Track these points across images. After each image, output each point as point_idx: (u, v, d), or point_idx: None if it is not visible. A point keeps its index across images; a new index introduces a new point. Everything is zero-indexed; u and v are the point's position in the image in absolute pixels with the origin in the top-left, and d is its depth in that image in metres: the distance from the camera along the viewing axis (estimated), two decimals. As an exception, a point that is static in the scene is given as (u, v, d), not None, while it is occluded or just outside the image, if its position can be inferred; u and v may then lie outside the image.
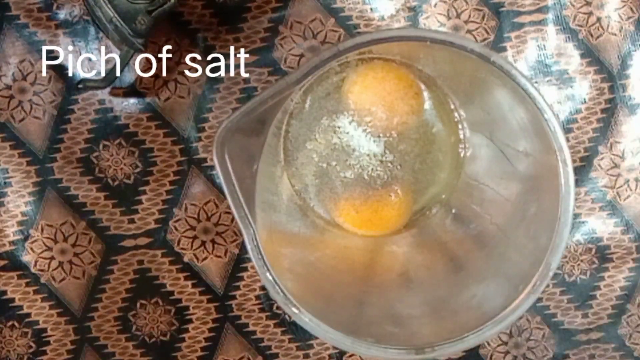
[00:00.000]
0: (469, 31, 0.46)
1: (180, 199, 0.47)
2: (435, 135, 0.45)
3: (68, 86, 0.46)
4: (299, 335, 0.48)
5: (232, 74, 0.46)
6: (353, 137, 0.44)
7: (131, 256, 0.47)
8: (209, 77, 0.46)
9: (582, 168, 0.48)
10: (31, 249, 0.47)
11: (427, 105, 0.45)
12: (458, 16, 0.46)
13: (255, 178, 0.37)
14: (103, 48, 0.46)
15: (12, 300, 0.47)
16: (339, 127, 0.44)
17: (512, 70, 0.35)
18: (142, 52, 0.43)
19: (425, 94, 0.45)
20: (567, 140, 0.36)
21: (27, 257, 0.47)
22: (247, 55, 0.46)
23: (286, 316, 0.48)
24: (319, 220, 0.46)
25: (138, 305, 0.48)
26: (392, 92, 0.44)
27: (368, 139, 0.44)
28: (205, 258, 0.47)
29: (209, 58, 0.46)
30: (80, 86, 0.45)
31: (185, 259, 0.47)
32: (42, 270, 0.47)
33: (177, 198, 0.47)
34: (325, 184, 0.45)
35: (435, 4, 0.46)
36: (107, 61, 0.46)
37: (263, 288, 0.48)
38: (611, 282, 0.49)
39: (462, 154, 0.46)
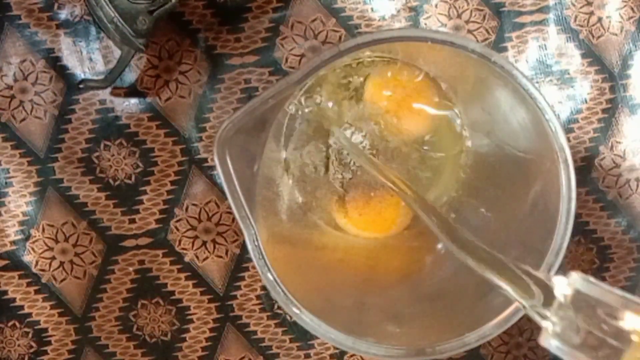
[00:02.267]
0: (469, 31, 0.46)
1: (181, 199, 0.47)
2: (438, 137, 0.45)
3: (69, 86, 0.46)
4: (300, 335, 0.48)
5: (234, 74, 0.46)
6: (356, 140, 0.44)
7: (132, 256, 0.47)
8: (209, 77, 0.46)
9: (583, 168, 0.48)
10: (32, 248, 0.47)
11: (436, 110, 0.45)
12: (459, 16, 0.46)
13: (256, 178, 0.37)
14: (104, 48, 0.46)
15: (13, 300, 0.47)
16: (343, 130, 0.44)
17: (513, 71, 0.35)
18: (143, 52, 0.44)
19: (436, 99, 0.45)
20: (568, 140, 0.36)
21: (28, 257, 0.47)
22: (249, 55, 0.46)
23: (287, 316, 0.48)
24: (320, 220, 0.46)
25: (139, 305, 0.48)
26: (409, 99, 0.44)
27: (375, 141, 0.44)
28: (206, 258, 0.48)
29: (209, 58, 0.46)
30: (81, 86, 0.45)
31: (186, 259, 0.48)
32: (43, 270, 0.47)
33: (178, 198, 0.47)
34: (327, 185, 0.45)
35: (436, 4, 0.46)
36: (108, 61, 0.46)
37: (264, 288, 0.48)
38: (612, 282, 0.49)
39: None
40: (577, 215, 0.47)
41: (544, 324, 0.28)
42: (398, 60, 0.44)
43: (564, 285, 0.27)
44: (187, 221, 0.47)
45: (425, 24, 0.46)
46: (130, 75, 0.46)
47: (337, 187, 0.45)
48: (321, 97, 0.44)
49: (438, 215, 0.36)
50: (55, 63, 0.46)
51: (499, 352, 0.49)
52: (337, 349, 0.48)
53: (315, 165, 0.45)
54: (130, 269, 0.47)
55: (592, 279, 0.27)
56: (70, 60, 0.46)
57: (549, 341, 0.27)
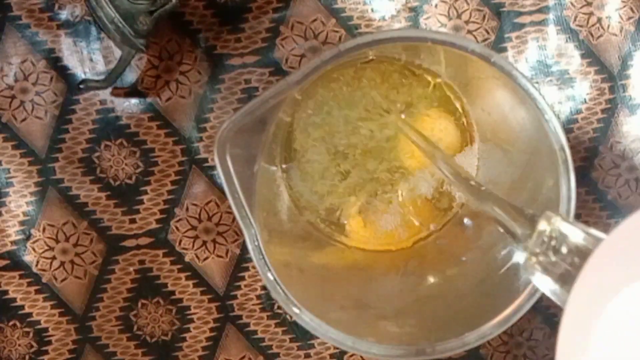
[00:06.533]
0: (469, 31, 0.46)
1: (182, 199, 0.47)
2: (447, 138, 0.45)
3: (69, 86, 0.46)
4: (300, 335, 0.48)
5: (234, 74, 0.46)
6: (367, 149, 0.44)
7: (132, 256, 0.47)
8: (210, 77, 0.46)
9: (583, 168, 0.48)
10: (33, 248, 0.47)
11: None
12: (459, 16, 0.46)
13: (256, 178, 0.37)
14: (104, 48, 0.46)
15: (14, 300, 0.47)
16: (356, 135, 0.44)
17: (512, 71, 0.35)
18: (143, 52, 0.44)
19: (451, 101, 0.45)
20: (568, 140, 0.36)
21: (28, 257, 0.47)
22: (249, 55, 0.46)
23: (287, 316, 0.48)
24: (322, 225, 0.46)
25: (139, 305, 0.48)
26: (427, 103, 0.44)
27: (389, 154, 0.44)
28: (207, 258, 0.48)
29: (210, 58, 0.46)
30: (81, 86, 0.45)
31: (187, 259, 0.48)
32: (43, 270, 0.47)
33: (179, 198, 0.47)
34: (332, 198, 0.45)
35: (436, 5, 0.46)
36: (109, 61, 0.46)
37: (264, 288, 0.48)
38: (612, 282, 0.49)
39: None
40: (577, 215, 0.48)
41: (525, 253, 0.31)
42: (401, 61, 0.44)
43: (545, 221, 0.30)
44: (188, 221, 0.47)
45: (425, 25, 0.46)
46: (130, 76, 0.46)
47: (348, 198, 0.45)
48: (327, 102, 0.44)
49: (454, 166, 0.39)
50: (55, 63, 0.46)
51: (499, 352, 0.49)
52: (337, 349, 0.48)
53: (319, 175, 0.45)
54: (131, 268, 0.47)
55: (571, 220, 0.30)
56: (70, 60, 0.46)
57: (527, 268, 0.31)
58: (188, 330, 0.48)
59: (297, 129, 0.44)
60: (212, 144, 0.46)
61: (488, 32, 0.46)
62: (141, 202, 0.47)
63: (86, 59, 0.46)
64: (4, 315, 0.47)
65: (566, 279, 0.29)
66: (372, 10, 0.46)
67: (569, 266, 0.29)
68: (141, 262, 0.47)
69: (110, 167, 0.47)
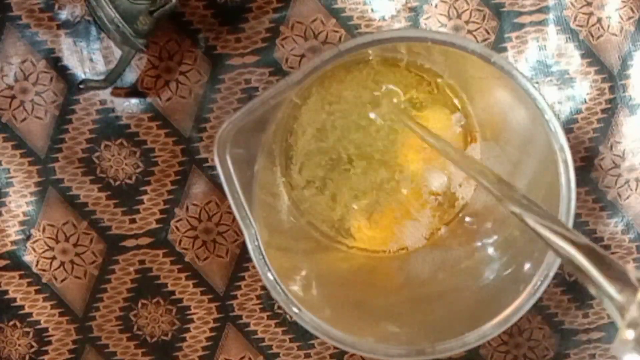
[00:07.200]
0: (469, 31, 0.46)
1: (182, 199, 0.47)
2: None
3: (69, 86, 0.46)
4: (300, 335, 0.48)
5: (234, 74, 0.46)
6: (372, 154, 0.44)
7: (132, 256, 0.47)
8: (210, 78, 0.46)
9: (583, 168, 0.48)
10: (33, 248, 0.47)
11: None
12: (459, 16, 0.46)
13: (256, 178, 0.37)
14: (104, 48, 0.46)
15: (14, 300, 0.47)
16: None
17: (512, 71, 0.35)
18: (143, 52, 0.44)
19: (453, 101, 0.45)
20: (568, 140, 0.36)
21: (28, 257, 0.47)
22: (249, 56, 0.46)
23: (287, 316, 0.48)
24: (323, 226, 0.46)
25: (139, 305, 0.48)
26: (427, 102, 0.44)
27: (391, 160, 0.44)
28: (207, 258, 0.48)
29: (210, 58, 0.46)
30: (81, 86, 0.45)
31: (187, 259, 0.48)
32: (43, 270, 0.47)
33: (179, 198, 0.47)
34: (337, 202, 0.45)
35: (436, 5, 0.46)
36: (109, 61, 0.46)
37: (264, 288, 0.48)
38: (612, 282, 0.49)
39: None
40: (577, 215, 0.48)
41: (622, 322, 0.23)
42: (404, 60, 0.44)
43: None
44: (188, 221, 0.47)
45: (425, 25, 0.46)
46: (130, 76, 0.46)
47: (353, 207, 0.45)
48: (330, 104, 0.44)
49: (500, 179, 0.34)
50: (55, 63, 0.46)
51: (499, 352, 0.49)
52: (337, 349, 0.48)
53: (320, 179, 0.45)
54: (131, 268, 0.47)
55: None
56: (70, 60, 0.46)
57: (620, 345, 0.22)
58: (188, 330, 0.48)
59: (297, 131, 0.44)
60: (212, 144, 0.46)
61: (488, 32, 0.46)
62: (141, 202, 0.47)
63: (86, 59, 0.46)
64: (4, 315, 0.47)
65: None
66: (372, 10, 0.46)
67: None
68: (141, 262, 0.47)
69: (110, 167, 0.47)
